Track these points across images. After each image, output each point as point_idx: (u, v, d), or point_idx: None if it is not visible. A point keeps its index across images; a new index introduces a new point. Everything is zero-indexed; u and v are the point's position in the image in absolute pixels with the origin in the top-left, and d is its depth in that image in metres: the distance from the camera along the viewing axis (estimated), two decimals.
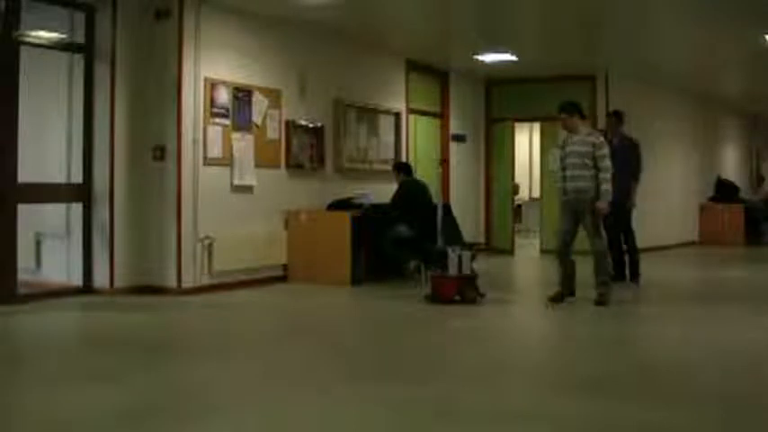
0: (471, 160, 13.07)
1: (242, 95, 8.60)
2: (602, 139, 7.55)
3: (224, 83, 8.38)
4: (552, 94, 12.66)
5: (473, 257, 7.75)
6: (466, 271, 7.53)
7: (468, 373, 4.99)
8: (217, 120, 8.29)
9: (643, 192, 13.30)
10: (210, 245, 8.19)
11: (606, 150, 7.42)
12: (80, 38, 7.88)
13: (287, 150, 9.16)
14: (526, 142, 17.58)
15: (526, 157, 17.53)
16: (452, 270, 7.49)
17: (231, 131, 8.45)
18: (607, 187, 7.33)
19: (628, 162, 8.76)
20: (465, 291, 7.47)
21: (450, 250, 7.58)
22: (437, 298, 7.51)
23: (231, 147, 8.44)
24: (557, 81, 12.61)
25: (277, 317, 7.31)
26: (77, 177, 7.96)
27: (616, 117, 9.23)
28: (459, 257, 7.52)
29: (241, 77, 8.61)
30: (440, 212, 8.27)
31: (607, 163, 7.37)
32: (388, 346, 5.87)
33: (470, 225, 12.38)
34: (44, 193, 7.77)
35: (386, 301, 8.00)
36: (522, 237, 15.27)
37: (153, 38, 8.06)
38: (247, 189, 8.67)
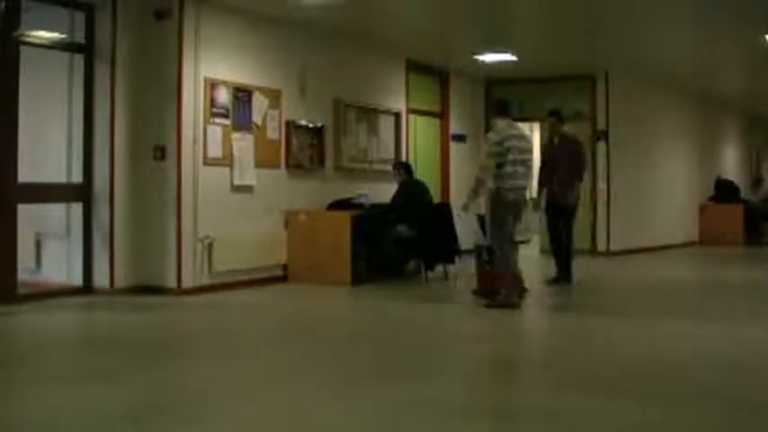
0: (471, 160, 13.05)
1: (242, 95, 8.60)
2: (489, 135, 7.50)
3: (224, 83, 8.38)
4: (552, 94, 12.72)
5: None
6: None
7: (470, 373, 4.99)
8: (217, 120, 8.29)
9: (642, 192, 13.42)
10: (210, 245, 8.18)
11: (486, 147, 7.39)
12: (80, 38, 7.89)
13: (287, 150, 9.16)
14: None
15: None
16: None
17: (231, 131, 8.45)
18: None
19: (570, 161, 8.69)
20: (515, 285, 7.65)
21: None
22: (487, 293, 7.59)
23: (231, 147, 8.44)
24: (557, 81, 12.62)
25: (277, 317, 7.31)
26: (77, 177, 7.96)
27: (556, 117, 8.94)
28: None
29: (241, 77, 8.61)
30: (484, 212, 8.21)
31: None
32: (388, 346, 5.86)
33: (471, 225, 12.37)
34: (44, 193, 7.77)
35: (386, 302, 8.00)
36: (522, 237, 15.23)
37: (153, 38, 8.05)
38: (247, 189, 8.67)
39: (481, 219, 8.13)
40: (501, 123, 7.42)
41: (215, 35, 8.31)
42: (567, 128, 9.14)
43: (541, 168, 8.97)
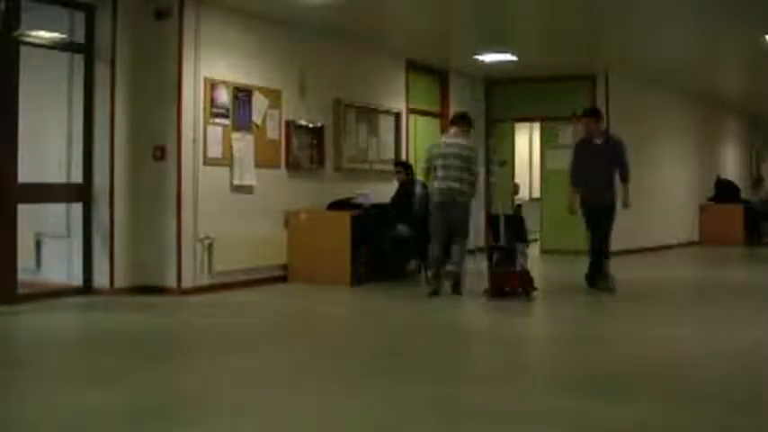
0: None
1: (242, 95, 8.60)
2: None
3: (224, 83, 8.38)
4: (552, 94, 12.73)
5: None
6: (525, 267, 7.98)
7: (470, 373, 4.99)
8: (217, 120, 8.29)
9: (642, 192, 13.41)
10: (210, 245, 8.18)
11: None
12: (80, 38, 7.89)
13: (287, 150, 9.16)
14: (526, 142, 17.57)
15: (526, 157, 17.52)
16: (518, 266, 7.88)
17: (231, 131, 8.45)
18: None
19: (615, 162, 8.39)
20: (526, 284, 7.88)
21: (516, 247, 7.92)
22: (500, 292, 7.80)
23: (231, 147, 8.44)
24: (557, 81, 12.62)
25: (277, 317, 7.31)
26: (77, 177, 7.96)
27: (594, 116, 8.58)
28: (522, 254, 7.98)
29: (241, 77, 8.61)
30: (502, 213, 8.29)
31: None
32: (388, 346, 5.86)
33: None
34: (44, 193, 7.77)
35: (386, 302, 8.01)
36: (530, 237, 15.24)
37: (153, 38, 8.05)
38: (247, 189, 8.66)
39: (496, 219, 8.26)
40: (447, 133, 8.23)
41: (215, 35, 8.30)
42: (572, 127, 9.01)
43: (575, 170, 8.54)
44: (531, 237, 8.84)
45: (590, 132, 8.55)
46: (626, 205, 8.49)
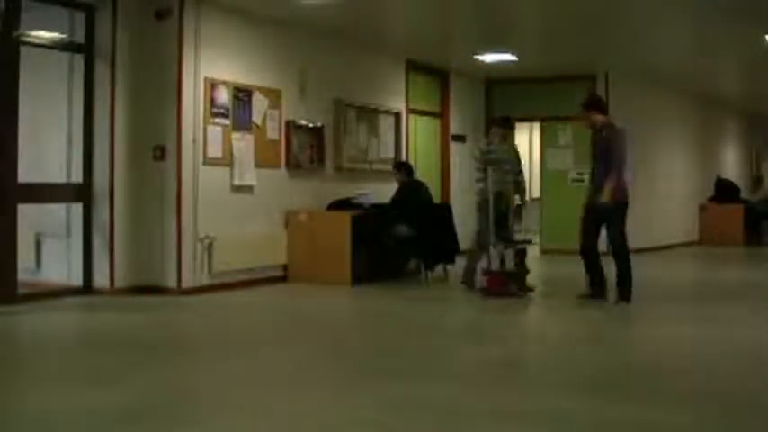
0: (471, 160, 13.02)
1: (242, 95, 8.60)
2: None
3: (224, 83, 8.38)
4: (552, 94, 12.73)
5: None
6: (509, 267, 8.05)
7: (470, 373, 4.99)
8: (217, 120, 8.29)
9: (642, 191, 13.40)
10: (210, 245, 8.18)
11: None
12: (80, 38, 7.89)
13: (287, 150, 9.15)
14: (526, 142, 17.56)
15: (526, 157, 17.51)
16: (507, 266, 8.00)
17: (231, 131, 8.45)
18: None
19: (605, 156, 7.43)
20: (521, 284, 7.99)
21: (493, 247, 8.05)
22: (493, 291, 7.82)
23: (231, 147, 8.44)
24: (557, 81, 12.62)
25: (277, 317, 7.31)
26: (77, 177, 7.96)
27: (586, 107, 7.69)
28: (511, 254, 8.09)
29: (241, 77, 8.61)
30: (491, 212, 8.35)
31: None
32: (388, 346, 5.86)
33: (471, 225, 12.36)
34: (44, 193, 7.77)
35: (386, 302, 8.01)
36: (522, 237, 15.21)
37: (153, 38, 8.05)
38: (247, 189, 8.66)
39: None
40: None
41: (215, 35, 8.30)
42: (576, 125, 8.74)
43: None
44: (516, 237, 8.80)
45: (590, 125, 7.71)
46: (597, 204, 7.44)
